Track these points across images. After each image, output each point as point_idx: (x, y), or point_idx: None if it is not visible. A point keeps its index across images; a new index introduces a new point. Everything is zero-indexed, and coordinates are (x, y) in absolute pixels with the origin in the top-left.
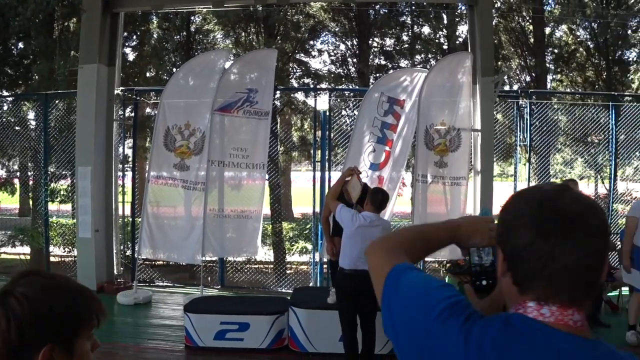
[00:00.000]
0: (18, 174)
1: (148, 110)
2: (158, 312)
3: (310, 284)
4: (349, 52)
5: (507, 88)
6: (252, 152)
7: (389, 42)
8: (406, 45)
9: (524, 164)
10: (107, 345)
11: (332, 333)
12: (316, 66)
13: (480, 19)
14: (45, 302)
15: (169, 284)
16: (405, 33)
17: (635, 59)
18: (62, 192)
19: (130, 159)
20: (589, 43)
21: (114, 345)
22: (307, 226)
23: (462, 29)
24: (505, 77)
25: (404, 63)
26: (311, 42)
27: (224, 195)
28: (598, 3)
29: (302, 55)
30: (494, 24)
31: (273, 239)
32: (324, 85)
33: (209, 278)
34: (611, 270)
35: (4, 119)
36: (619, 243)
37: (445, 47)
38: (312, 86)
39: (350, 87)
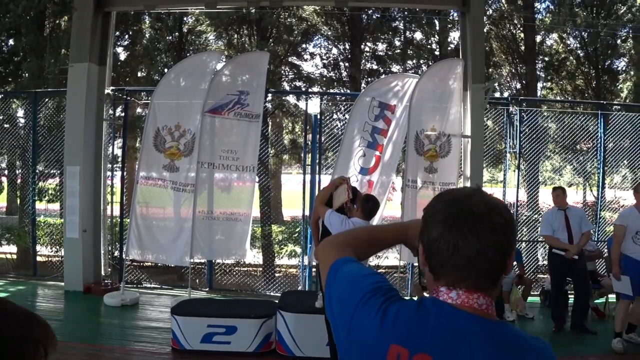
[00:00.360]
0: (6, 172)
1: (139, 110)
2: (145, 314)
3: (299, 288)
4: (341, 56)
5: (497, 95)
6: (242, 154)
7: (381, 46)
8: (398, 51)
9: (514, 171)
10: (93, 347)
11: (320, 337)
12: (308, 69)
13: (472, 26)
14: None
15: (156, 286)
16: (398, 38)
17: (624, 69)
18: (50, 192)
19: (119, 159)
20: (579, 52)
21: (100, 347)
22: (297, 229)
23: (454, 36)
24: (496, 84)
25: (395, 68)
26: (303, 46)
27: (213, 197)
28: (588, 12)
29: (294, 58)
30: (485, 31)
31: (262, 242)
32: (315, 89)
33: (197, 280)
34: (598, 277)
35: None
36: (606, 251)
37: (437, 53)
38: (303, 89)
39: (342, 91)
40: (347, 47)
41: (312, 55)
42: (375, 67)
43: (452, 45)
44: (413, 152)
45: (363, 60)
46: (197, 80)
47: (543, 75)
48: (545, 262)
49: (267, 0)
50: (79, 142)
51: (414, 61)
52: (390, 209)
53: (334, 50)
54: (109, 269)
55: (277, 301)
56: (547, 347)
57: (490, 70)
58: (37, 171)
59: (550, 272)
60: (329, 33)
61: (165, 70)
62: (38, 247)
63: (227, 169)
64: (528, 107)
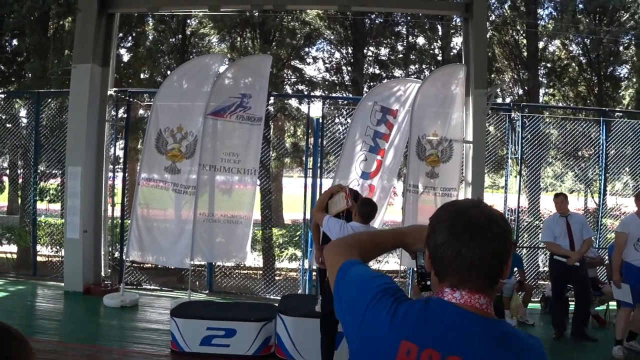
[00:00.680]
0: (7, 171)
1: (141, 112)
2: (144, 316)
3: (299, 291)
4: (343, 60)
5: (499, 101)
6: (243, 157)
7: (383, 51)
8: (401, 55)
9: (515, 177)
10: (92, 348)
11: (320, 341)
12: (310, 73)
13: (475, 31)
14: None
15: (156, 288)
16: (400, 43)
17: (626, 76)
18: (51, 192)
19: (121, 161)
20: (582, 58)
21: (99, 348)
22: (297, 233)
23: (457, 41)
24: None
25: (398, 73)
26: (306, 49)
27: (214, 200)
28: (591, 19)
29: (297, 62)
30: (488, 36)
31: (263, 245)
32: (317, 93)
33: (197, 282)
34: (599, 284)
35: None
36: (607, 258)
37: (439, 58)
38: (306, 93)
39: (344, 95)
40: (350, 51)
41: (315, 59)
42: (377, 71)
43: (455, 51)
44: (415, 157)
45: (365, 65)
46: (199, 83)
47: (545, 82)
48: (546, 269)
49: (270, 4)
50: (81, 143)
51: (417, 66)
52: (391, 214)
53: (337, 55)
54: (109, 270)
55: (277, 304)
56: (541, 343)
57: (493, 76)
58: (39, 171)
59: (551, 278)
60: (332, 37)
61: (168, 72)
62: (38, 247)
63: (229, 172)
64: (530, 113)
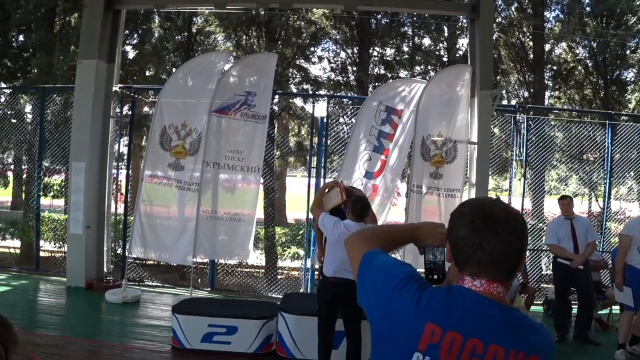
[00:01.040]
0: (12, 166)
1: (146, 109)
2: (146, 312)
3: (301, 290)
4: (349, 60)
5: (505, 102)
6: (247, 155)
7: (389, 51)
8: (406, 56)
9: (519, 179)
10: (93, 344)
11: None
12: (316, 73)
13: (481, 32)
14: None
15: (158, 284)
16: (406, 44)
17: (633, 79)
18: (55, 187)
19: (125, 157)
20: (588, 61)
21: (100, 343)
22: (300, 232)
23: (463, 42)
24: (504, 91)
25: (403, 73)
26: (312, 49)
27: (217, 197)
28: (598, 22)
29: (302, 61)
30: (494, 38)
31: (265, 244)
32: (322, 92)
33: (199, 280)
34: (602, 288)
35: (1, 111)
36: (610, 261)
37: (445, 59)
38: (310, 92)
39: (349, 95)
40: (355, 51)
41: (320, 58)
42: (383, 72)
43: (461, 52)
44: (419, 157)
45: (371, 65)
46: (204, 80)
47: (551, 84)
48: (549, 272)
49: (276, 2)
50: (85, 139)
51: (422, 67)
52: (394, 214)
53: (342, 54)
54: (112, 266)
55: (278, 303)
56: (546, 329)
57: (499, 77)
58: (43, 167)
59: (554, 281)
60: (338, 37)
61: (174, 69)
62: (42, 243)
63: (232, 169)
64: (535, 115)
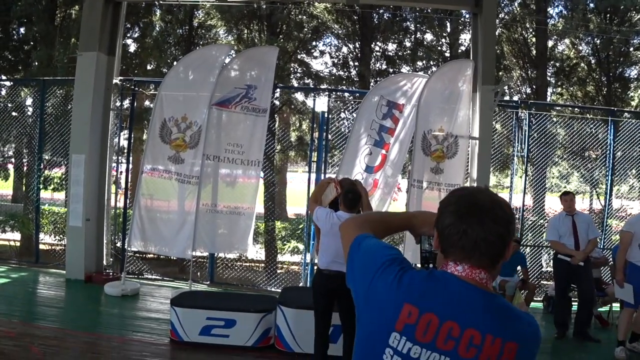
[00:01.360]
0: (13, 159)
1: (146, 103)
2: (145, 305)
3: (301, 284)
4: (350, 54)
5: (507, 98)
6: (248, 148)
7: (391, 46)
8: (408, 51)
9: (520, 176)
10: (91, 336)
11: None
12: (317, 67)
13: (484, 28)
14: None
15: (157, 277)
16: (408, 38)
17: (636, 76)
18: (55, 180)
19: (125, 150)
20: (591, 58)
21: (99, 336)
22: (300, 226)
23: (465, 37)
24: (506, 87)
25: (405, 68)
26: (313, 43)
27: (217, 191)
28: (601, 19)
29: (303, 55)
30: (497, 33)
31: (265, 238)
32: (323, 87)
33: (199, 273)
34: (602, 285)
35: (1, 104)
36: (611, 259)
37: (447, 54)
38: (312, 87)
39: (350, 89)
40: (357, 45)
41: (322, 52)
42: (384, 66)
43: (463, 47)
44: (420, 152)
45: (372, 60)
46: (205, 73)
47: (553, 81)
48: (549, 268)
49: None
50: (85, 131)
51: (424, 62)
52: (395, 209)
53: (344, 49)
54: (111, 259)
55: (277, 296)
56: (532, 317)
57: (501, 73)
58: (44, 160)
59: (555, 277)
60: (340, 31)
61: (174, 63)
62: (41, 235)
63: (233, 163)
64: (537, 111)
